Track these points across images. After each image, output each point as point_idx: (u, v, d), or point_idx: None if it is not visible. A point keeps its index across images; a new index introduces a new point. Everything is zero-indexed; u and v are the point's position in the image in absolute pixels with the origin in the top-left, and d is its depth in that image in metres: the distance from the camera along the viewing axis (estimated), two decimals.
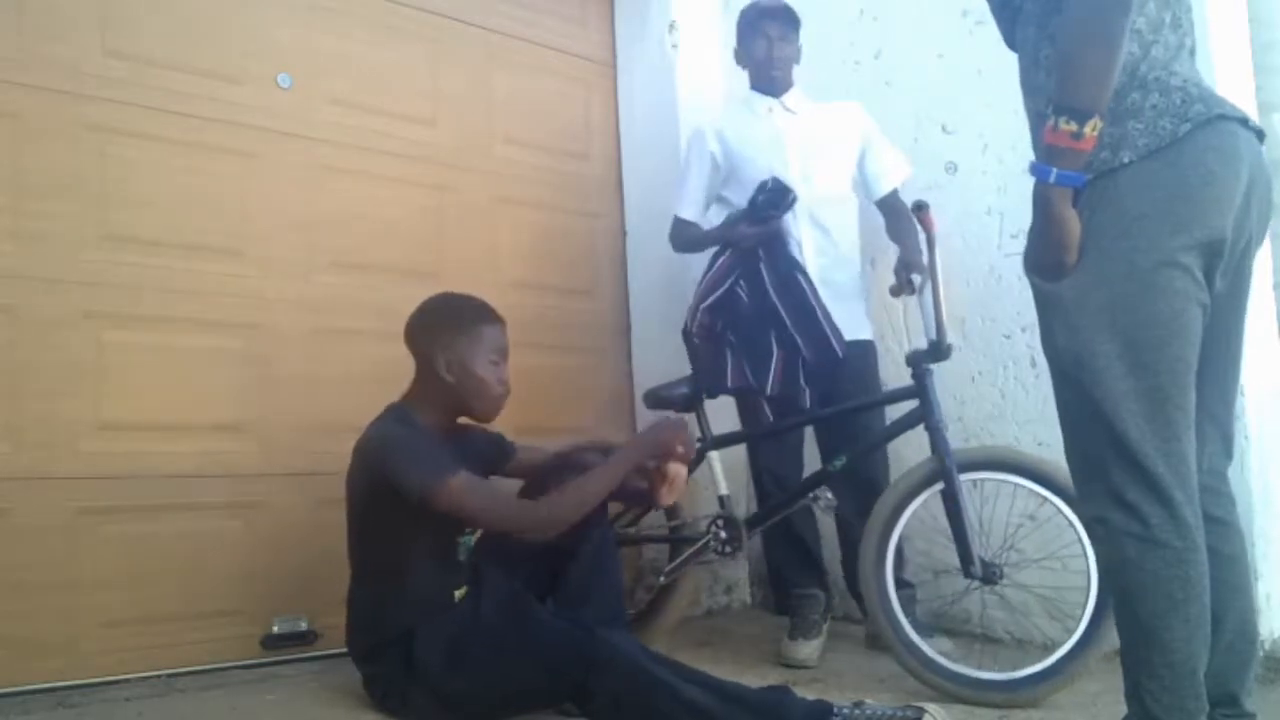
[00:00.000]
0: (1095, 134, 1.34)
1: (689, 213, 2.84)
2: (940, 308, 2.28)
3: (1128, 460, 1.38)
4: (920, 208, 2.29)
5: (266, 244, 2.69)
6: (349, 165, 2.85)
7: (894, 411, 2.62)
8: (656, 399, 2.68)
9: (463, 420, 2.17)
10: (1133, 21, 1.37)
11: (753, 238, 2.59)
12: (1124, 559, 1.40)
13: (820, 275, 2.66)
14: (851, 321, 2.70)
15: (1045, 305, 1.47)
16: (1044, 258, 1.42)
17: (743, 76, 2.91)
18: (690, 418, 2.73)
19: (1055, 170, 1.36)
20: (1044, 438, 2.57)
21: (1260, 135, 1.46)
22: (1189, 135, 1.38)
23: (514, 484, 2.30)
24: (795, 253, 2.65)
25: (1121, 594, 1.43)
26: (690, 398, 2.62)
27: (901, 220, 2.68)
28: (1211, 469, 1.52)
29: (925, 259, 2.32)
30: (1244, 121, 1.43)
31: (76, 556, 2.34)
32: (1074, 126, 1.33)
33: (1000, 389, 2.77)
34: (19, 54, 2.38)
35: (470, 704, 1.92)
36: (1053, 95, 1.37)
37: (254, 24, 2.72)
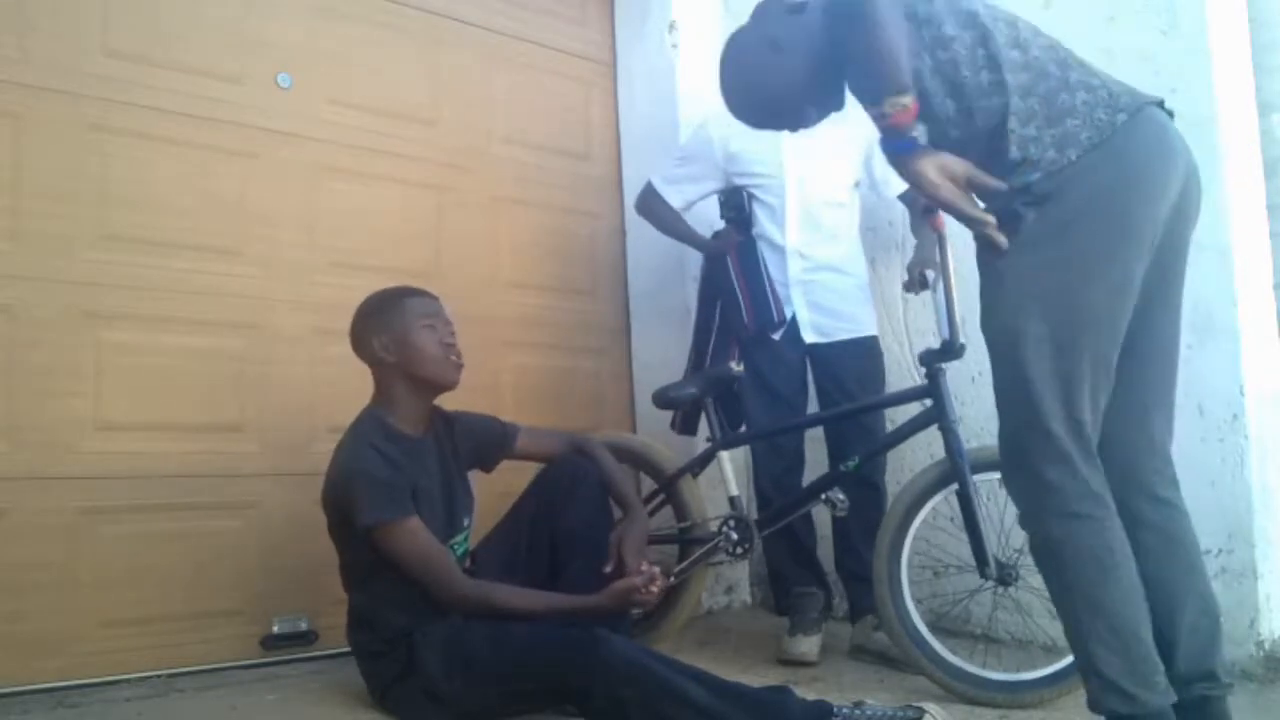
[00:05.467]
0: (914, 103, 1.47)
1: (670, 195, 2.88)
2: (953, 306, 2.27)
3: (1046, 439, 1.47)
4: (929, 210, 2.29)
5: (266, 244, 2.69)
6: (349, 165, 2.85)
7: (893, 413, 2.63)
8: (665, 399, 2.68)
9: (449, 407, 2.17)
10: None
11: (733, 242, 2.75)
12: (1051, 536, 1.49)
13: (805, 278, 2.70)
14: (851, 320, 2.72)
15: (988, 286, 1.55)
16: (952, 209, 1.51)
17: None
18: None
19: (906, 140, 1.49)
20: None
21: (1171, 114, 1.56)
22: (1126, 126, 1.47)
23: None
24: (777, 256, 2.71)
25: (1056, 571, 1.50)
26: (698, 398, 2.62)
27: (918, 216, 2.70)
28: (1160, 451, 1.60)
29: (937, 259, 2.32)
30: (1160, 104, 1.53)
31: (76, 556, 2.34)
32: (905, 100, 1.46)
33: None
34: (19, 54, 2.38)
35: (470, 704, 1.91)
36: (874, 90, 1.49)
37: (254, 24, 2.72)
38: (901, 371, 2.92)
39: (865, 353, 2.73)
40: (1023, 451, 1.51)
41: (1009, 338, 1.51)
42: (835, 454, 2.69)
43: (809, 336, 2.70)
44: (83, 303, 2.41)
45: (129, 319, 2.47)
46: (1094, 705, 1.50)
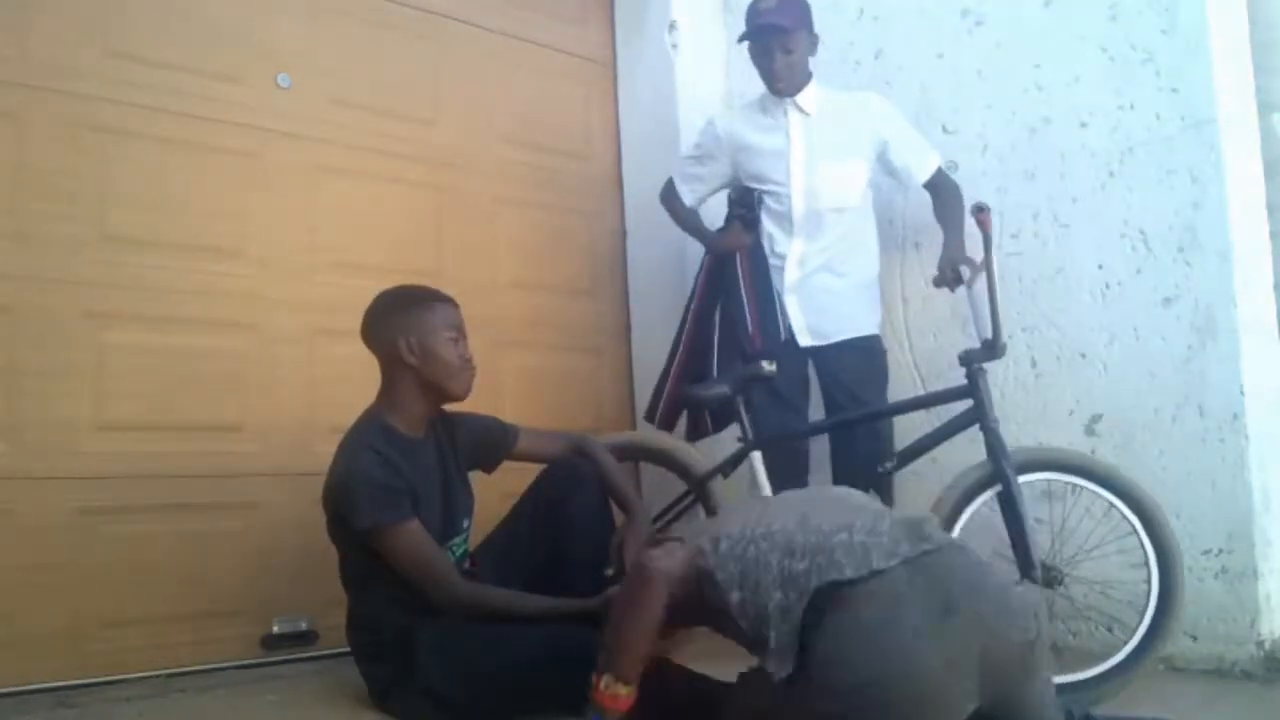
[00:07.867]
0: (629, 699, 1.62)
1: (683, 190, 2.87)
2: (996, 305, 2.24)
3: None
4: (980, 209, 2.27)
5: (266, 244, 2.69)
6: (349, 165, 2.85)
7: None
8: (694, 398, 2.63)
9: (449, 408, 2.18)
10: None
11: (742, 242, 2.71)
12: None
13: (800, 284, 2.68)
14: (848, 320, 2.70)
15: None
16: None
17: (754, 74, 2.87)
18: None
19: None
20: (1044, 438, 2.56)
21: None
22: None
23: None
24: (778, 262, 2.69)
25: None
26: (730, 397, 2.54)
27: (947, 204, 2.62)
28: None
29: (982, 258, 2.30)
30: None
31: (76, 556, 2.34)
32: (623, 690, 1.60)
33: (1000, 389, 2.75)
34: (19, 54, 2.37)
35: (470, 705, 1.92)
36: (604, 661, 1.62)
37: (254, 24, 2.72)
38: (901, 372, 2.91)
39: (864, 352, 2.71)
40: None
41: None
42: (839, 454, 2.68)
43: (804, 340, 2.68)
44: (83, 303, 2.41)
45: (129, 319, 2.47)
46: None
